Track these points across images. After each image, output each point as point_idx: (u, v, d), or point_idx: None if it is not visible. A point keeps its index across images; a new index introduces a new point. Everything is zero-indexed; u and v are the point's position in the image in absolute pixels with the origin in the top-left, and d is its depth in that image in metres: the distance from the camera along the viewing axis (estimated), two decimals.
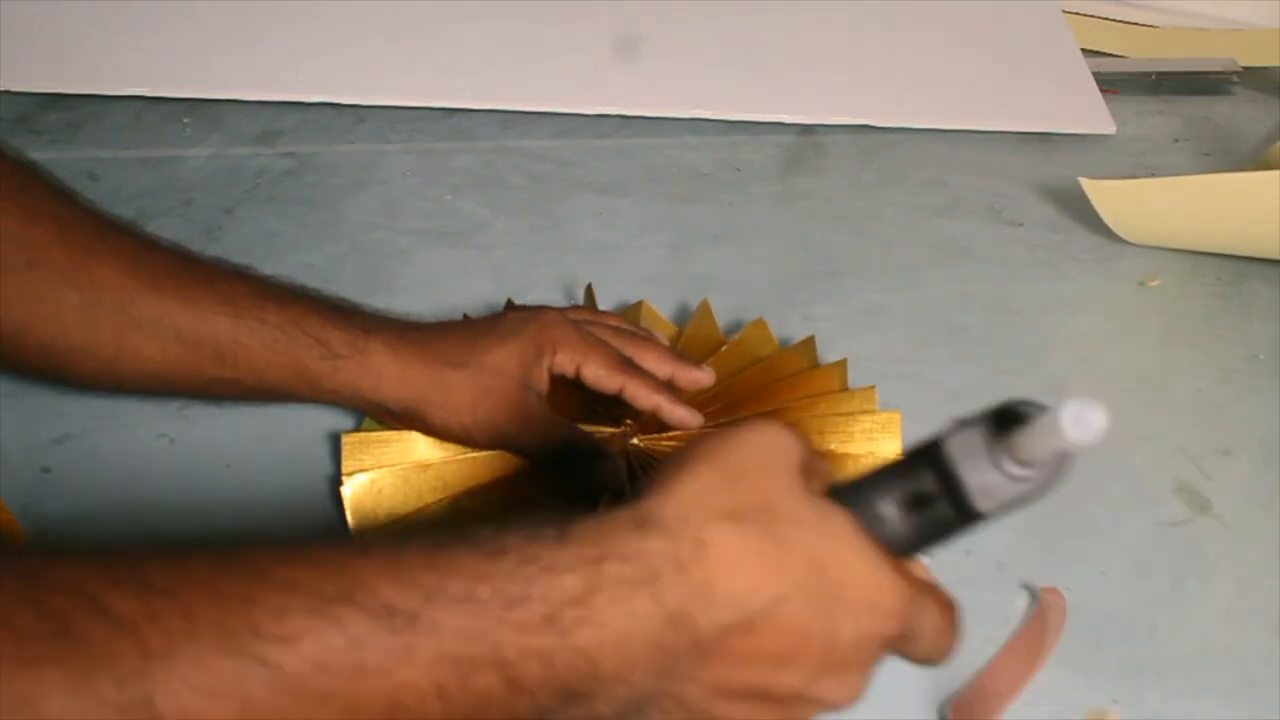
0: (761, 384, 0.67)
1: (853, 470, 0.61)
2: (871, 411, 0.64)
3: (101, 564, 0.31)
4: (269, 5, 1.01)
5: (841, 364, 0.68)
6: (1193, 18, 1.10)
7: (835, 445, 0.62)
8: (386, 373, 0.61)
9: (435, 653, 0.33)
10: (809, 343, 0.71)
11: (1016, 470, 0.40)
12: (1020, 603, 0.60)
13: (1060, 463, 0.40)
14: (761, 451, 0.39)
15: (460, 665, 0.33)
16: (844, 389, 0.67)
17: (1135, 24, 1.11)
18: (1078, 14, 1.09)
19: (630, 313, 0.73)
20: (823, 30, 1.04)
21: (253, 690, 0.30)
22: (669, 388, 0.63)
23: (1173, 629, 0.59)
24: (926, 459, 0.41)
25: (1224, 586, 0.62)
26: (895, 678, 0.56)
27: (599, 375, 0.62)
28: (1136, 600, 0.61)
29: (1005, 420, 0.40)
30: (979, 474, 0.40)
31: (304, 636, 0.31)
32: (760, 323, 0.72)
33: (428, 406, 0.61)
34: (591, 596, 0.35)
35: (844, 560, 0.38)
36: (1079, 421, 0.36)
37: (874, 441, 0.62)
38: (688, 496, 0.37)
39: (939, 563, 0.62)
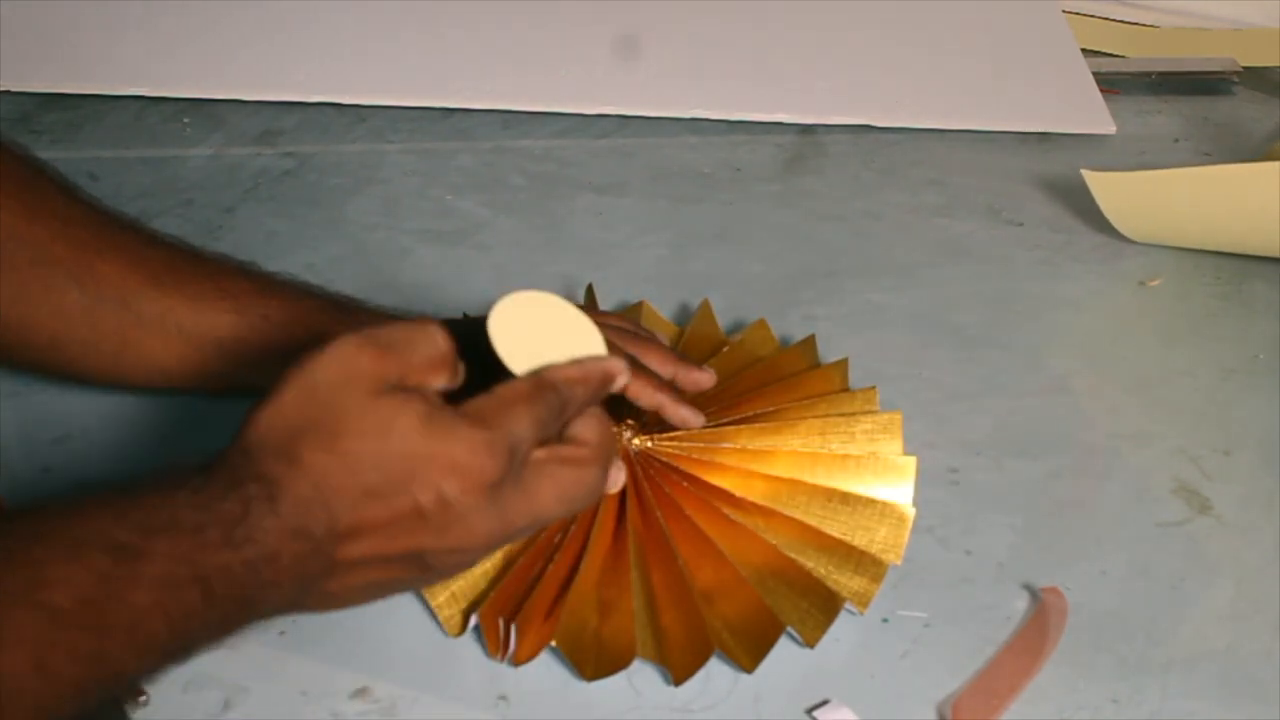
0: (762, 384, 0.67)
1: (854, 471, 0.61)
2: (873, 412, 0.64)
3: None
4: (269, 5, 1.01)
5: (842, 364, 0.68)
6: (1193, 18, 1.10)
7: (837, 446, 0.62)
8: None
9: (154, 576, 0.40)
10: (809, 342, 0.71)
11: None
12: (1020, 603, 0.60)
13: None
14: (333, 368, 0.45)
15: (170, 584, 0.40)
16: (845, 389, 0.67)
17: (1135, 24, 1.11)
18: (1078, 14, 1.09)
19: (631, 313, 0.73)
20: (823, 30, 1.04)
21: (39, 633, 0.38)
22: (671, 387, 0.63)
23: (1173, 629, 0.59)
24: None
25: (1224, 586, 0.62)
26: (895, 677, 0.56)
27: None
28: (1136, 600, 0.61)
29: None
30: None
31: (67, 580, 0.39)
32: (761, 323, 0.72)
33: None
34: (246, 516, 0.42)
35: (412, 443, 0.45)
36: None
37: (875, 442, 0.62)
38: (266, 423, 0.45)
39: (939, 562, 0.62)
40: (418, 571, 0.47)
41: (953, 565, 0.62)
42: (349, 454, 0.44)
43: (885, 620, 0.59)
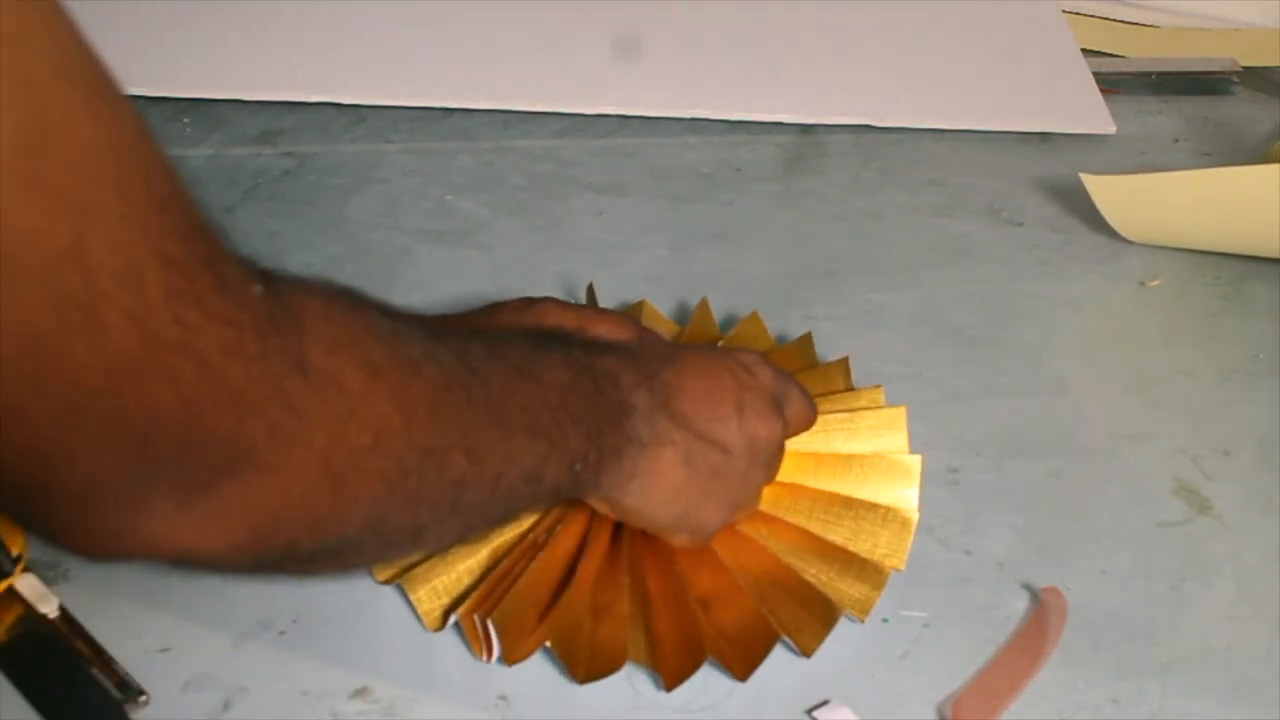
0: None
1: (859, 473, 0.61)
2: (876, 408, 0.64)
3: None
4: (269, 5, 1.01)
5: (843, 362, 0.68)
6: (1193, 18, 1.10)
7: (840, 443, 0.62)
8: None
9: (560, 359, 0.51)
10: (806, 340, 0.71)
11: None
12: (1020, 603, 0.60)
13: None
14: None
15: (573, 367, 0.51)
16: (848, 388, 0.67)
17: (1135, 24, 1.11)
18: (1078, 14, 1.09)
19: (632, 312, 0.73)
20: (823, 30, 1.04)
21: (514, 372, 0.49)
22: None
23: (1173, 629, 0.59)
24: None
25: (1224, 586, 0.62)
26: (895, 677, 0.56)
27: None
28: (1136, 600, 0.61)
29: None
30: None
31: (507, 355, 0.49)
32: (754, 317, 0.72)
33: None
34: (608, 343, 0.56)
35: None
36: None
37: (880, 438, 0.62)
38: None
39: (939, 562, 0.62)
40: (715, 479, 0.56)
41: (953, 565, 0.62)
42: (695, 351, 0.59)
43: (885, 620, 0.59)
